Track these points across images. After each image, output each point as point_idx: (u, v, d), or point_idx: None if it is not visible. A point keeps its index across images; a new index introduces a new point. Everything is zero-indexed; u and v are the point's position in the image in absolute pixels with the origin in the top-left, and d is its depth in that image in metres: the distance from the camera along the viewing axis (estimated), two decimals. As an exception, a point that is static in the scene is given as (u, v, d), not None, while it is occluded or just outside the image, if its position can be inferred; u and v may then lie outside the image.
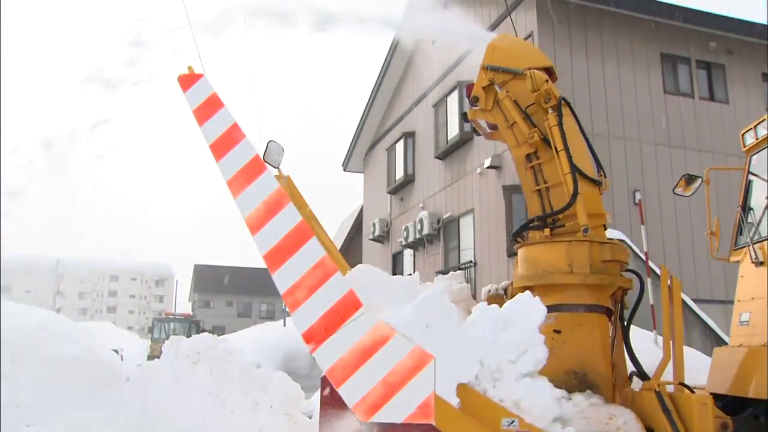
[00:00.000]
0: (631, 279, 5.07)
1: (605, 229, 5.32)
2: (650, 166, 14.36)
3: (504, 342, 3.86)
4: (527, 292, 4.28)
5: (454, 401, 3.48)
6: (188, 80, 4.28)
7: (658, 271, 11.26)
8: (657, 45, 15.28)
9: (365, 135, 23.66)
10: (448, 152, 17.71)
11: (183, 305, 65.68)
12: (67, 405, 6.61)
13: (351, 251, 27.33)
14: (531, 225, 5.29)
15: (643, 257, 11.02)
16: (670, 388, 4.43)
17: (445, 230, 17.91)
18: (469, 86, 5.84)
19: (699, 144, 14.96)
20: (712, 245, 5.43)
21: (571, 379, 4.61)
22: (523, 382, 3.80)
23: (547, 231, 5.11)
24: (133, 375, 7.44)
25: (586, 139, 5.51)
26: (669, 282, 4.71)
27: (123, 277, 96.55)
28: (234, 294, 66.08)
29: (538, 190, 5.39)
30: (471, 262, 16.28)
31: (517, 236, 5.46)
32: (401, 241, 19.63)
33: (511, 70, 5.51)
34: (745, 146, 5.52)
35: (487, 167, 15.56)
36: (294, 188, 5.65)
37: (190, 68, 4.36)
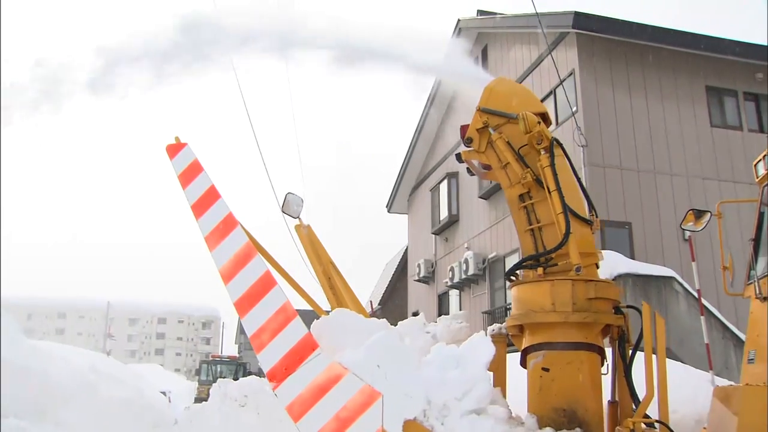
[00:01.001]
0: (622, 316, 5.07)
1: (597, 267, 5.36)
2: (699, 201, 14.07)
3: (451, 380, 4.10)
4: (479, 333, 4.58)
5: None
6: (174, 149, 4.88)
7: (712, 309, 10.98)
8: (702, 78, 15.10)
9: (409, 176, 23.77)
10: (492, 191, 17.66)
11: (229, 347, 66.14)
12: (116, 447, 6.67)
13: (396, 292, 27.23)
14: (524, 264, 5.37)
15: (696, 294, 10.72)
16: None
17: (490, 270, 17.75)
18: (464, 127, 5.92)
19: (750, 177, 14.62)
20: (725, 280, 5.29)
21: (560, 417, 4.64)
22: (467, 419, 4.01)
23: (540, 270, 5.17)
24: (181, 417, 7.50)
25: (578, 180, 5.60)
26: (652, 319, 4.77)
27: (171, 320, 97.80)
28: (280, 336, 65.89)
29: (531, 230, 5.48)
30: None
31: (510, 275, 5.53)
32: (447, 282, 19.50)
33: (505, 114, 5.62)
34: (757, 177, 5.37)
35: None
36: (314, 236, 6.08)
37: (176, 138, 4.92)
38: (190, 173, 4.76)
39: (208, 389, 7.97)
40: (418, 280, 22.09)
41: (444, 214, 20.57)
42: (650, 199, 13.94)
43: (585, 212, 5.45)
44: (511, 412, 4.61)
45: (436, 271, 21.32)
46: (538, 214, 5.44)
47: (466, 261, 18.20)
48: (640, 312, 5.13)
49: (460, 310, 18.59)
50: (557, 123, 15.32)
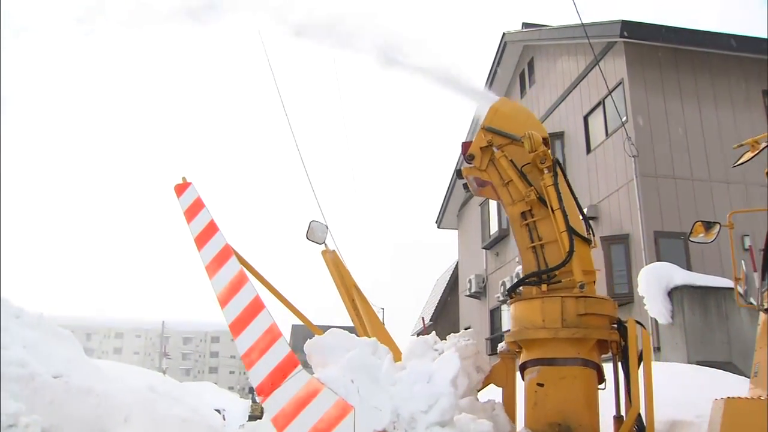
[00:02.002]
0: (615, 332, 5.12)
1: (594, 284, 5.47)
2: (759, 210, 13.68)
3: (418, 394, 4.39)
4: (452, 349, 4.80)
5: None
6: (181, 188, 5.42)
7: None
8: (757, 82, 14.69)
9: (457, 192, 23.71)
10: (542, 204, 17.51)
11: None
12: (175, 465, 6.78)
13: (448, 308, 27.11)
14: (527, 281, 5.45)
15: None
16: None
17: (542, 284, 17.52)
18: (465, 144, 5.99)
19: (812, 184, 14.14)
20: (737, 292, 5.15)
21: (554, 431, 4.76)
22: (431, 430, 4.27)
23: (544, 287, 5.28)
24: (236, 435, 7.59)
25: (576, 200, 5.73)
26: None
27: (224, 338, 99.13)
28: (331, 353, 66.22)
29: (533, 247, 5.56)
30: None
31: (511, 292, 5.61)
32: (498, 297, 19.32)
33: (510, 135, 5.70)
34: None
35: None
36: (339, 261, 6.43)
37: (183, 179, 5.46)
38: (194, 210, 5.29)
39: (262, 407, 8.05)
40: (470, 296, 21.95)
41: (494, 228, 20.43)
42: (706, 208, 13.58)
43: (584, 231, 5.57)
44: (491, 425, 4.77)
45: (487, 286, 21.16)
46: (540, 231, 5.52)
47: (518, 275, 17.98)
48: (644, 328, 5.18)
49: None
50: (606, 134, 15.10)
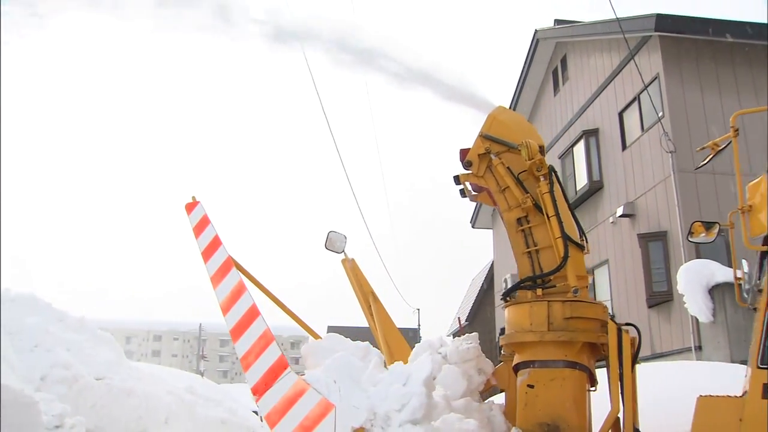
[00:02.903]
0: (603, 335, 5.24)
1: (587, 288, 5.65)
2: (802, 205, 13.34)
3: (393, 394, 4.72)
4: (425, 353, 5.12)
5: None
6: (191, 207, 5.96)
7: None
8: (799, 75, 14.35)
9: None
10: (578, 203, 17.30)
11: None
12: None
13: (483, 308, 26.97)
14: (523, 285, 5.63)
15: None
16: None
17: (578, 283, 17.34)
18: (463, 151, 6.14)
19: None
20: (737, 291, 5.11)
21: (543, 431, 4.93)
22: (402, 428, 4.57)
23: (539, 291, 5.46)
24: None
25: (570, 207, 5.93)
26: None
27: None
28: (367, 354, 66.47)
29: (528, 252, 5.72)
30: (609, 314, 15.61)
31: (507, 296, 5.78)
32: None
33: (507, 143, 5.85)
34: None
35: (620, 216, 15.04)
36: (357, 269, 6.82)
37: (193, 197, 5.99)
38: (201, 226, 5.82)
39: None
40: (505, 295, 21.81)
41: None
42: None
43: (578, 237, 5.75)
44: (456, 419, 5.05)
45: (522, 285, 21.00)
46: (535, 237, 5.68)
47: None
48: (638, 330, 5.39)
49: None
50: (642, 129, 14.89)
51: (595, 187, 16.48)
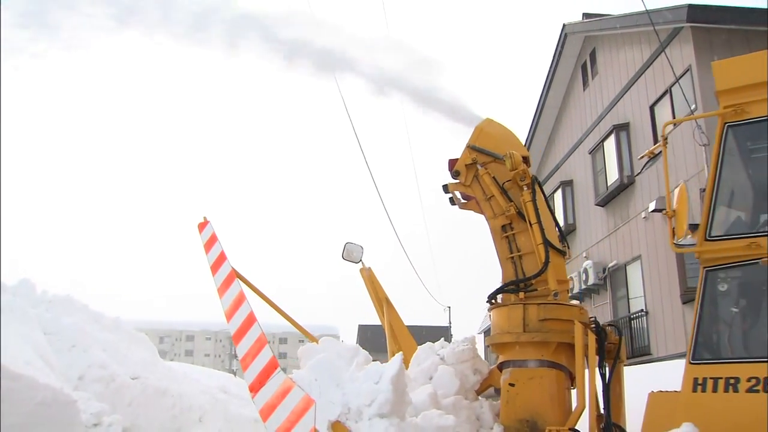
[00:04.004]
0: (593, 337, 5.46)
1: (568, 292, 5.99)
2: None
3: (364, 391, 5.18)
4: (399, 353, 5.45)
5: None
6: (202, 226, 6.72)
7: None
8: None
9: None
10: (609, 198, 17.10)
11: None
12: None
13: (513, 305, 26.76)
14: (506, 289, 5.96)
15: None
16: None
17: (611, 279, 17.16)
18: (452, 161, 6.48)
19: None
20: (670, 233, 5.24)
21: (524, 427, 5.23)
22: (371, 421, 5.07)
23: (521, 294, 5.73)
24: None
25: (552, 214, 6.24)
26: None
27: (291, 340, 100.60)
28: (397, 352, 66.51)
29: (512, 258, 6.04)
30: (642, 311, 15.41)
31: (492, 298, 6.08)
32: (566, 292, 19.03)
33: (493, 154, 6.17)
34: None
35: (653, 210, 14.83)
36: (374, 277, 7.29)
37: (204, 218, 6.76)
38: (210, 243, 6.52)
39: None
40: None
41: (560, 223, 20.11)
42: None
43: (559, 244, 6.09)
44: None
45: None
46: (518, 243, 6.03)
47: (586, 271, 17.69)
48: (619, 330, 5.78)
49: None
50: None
51: (626, 182, 16.28)
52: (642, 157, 6.17)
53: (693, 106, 13.67)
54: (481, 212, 6.34)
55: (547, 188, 21.38)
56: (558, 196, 20.33)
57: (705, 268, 4.67)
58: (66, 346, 7.32)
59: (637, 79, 16.46)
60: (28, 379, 5.91)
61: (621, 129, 16.85)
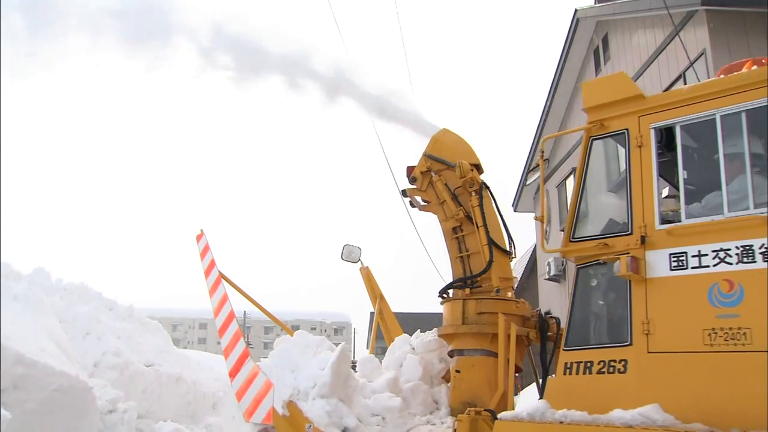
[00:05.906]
0: (532, 329, 6.22)
1: (513, 289, 6.71)
2: None
3: (311, 376, 6.12)
4: (341, 346, 6.23)
5: (284, 412, 5.94)
6: (199, 237, 7.79)
7: None
8: None
9: (534, 173, 23.30)
10: (621, 185, 16.98)
11: (362, 354, 67.24)
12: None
13: (526, 291, 26.72)
14: (455, 285, 6.59)
15: None
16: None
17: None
18: (410, 168, 7.06)
19: None
20: (542, 235, 5.63)
21: (466, 408, 5.55)
22: (314, 401, 5.97)
23: (467, 290, 6.41)
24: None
25: (501, 217, 6.79)
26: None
27: (304, 327, 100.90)
28: (410, 340, 66.60)
29: (461, 257, 6.65)
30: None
31: (442, 293, 6.68)
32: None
33: (446, 162, 6.75)
34: None
35: (665, 197, 14.73)
36: (371, 275, 7.94)
37: (201, 230, 7.84)
38: (204, 252, 7.64)
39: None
40: (549, 279, 21.60)
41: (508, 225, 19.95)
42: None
43: (506, 245, 6.72)
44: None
45: (567, 269, 20.76)
46: (467, 244, 6.63)
47: (597, 258, 17.60)
48: (558, 323, 6.29)
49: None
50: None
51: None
52: (532, 169, 6.84)
53: (707, 91, 13.50)
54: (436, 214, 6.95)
55: (559, 174, 21.28)
56: (570, 184, 20.19)
57: (577, 266, 5.50)
58: (80, 333, 7.38)
59: (650, 64, 16.29)
60: (44, 366, 5.97)
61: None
